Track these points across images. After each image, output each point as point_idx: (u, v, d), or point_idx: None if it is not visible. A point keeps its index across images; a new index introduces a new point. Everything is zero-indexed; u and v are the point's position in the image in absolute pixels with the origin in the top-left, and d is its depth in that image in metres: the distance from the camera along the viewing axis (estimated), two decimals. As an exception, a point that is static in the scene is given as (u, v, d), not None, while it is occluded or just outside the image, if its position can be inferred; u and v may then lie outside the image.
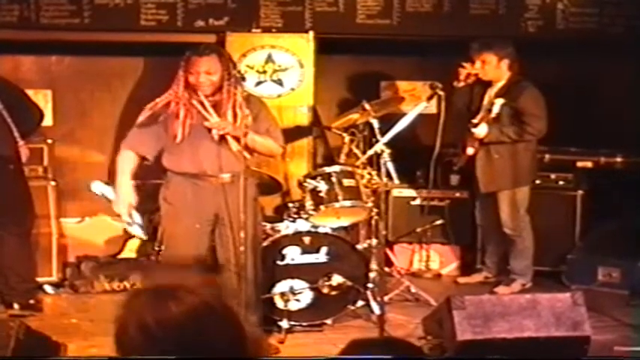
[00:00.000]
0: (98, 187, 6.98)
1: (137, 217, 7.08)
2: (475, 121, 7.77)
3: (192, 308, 2.52)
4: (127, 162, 6.55)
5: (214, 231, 6.46)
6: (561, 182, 8.50)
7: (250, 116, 6.31)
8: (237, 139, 6.16)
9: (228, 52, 6.92)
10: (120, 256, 8.46)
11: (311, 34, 8.49)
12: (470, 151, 7.83)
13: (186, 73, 6.23)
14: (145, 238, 7.55)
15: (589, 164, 8.57)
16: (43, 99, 8.42)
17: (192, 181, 6.34)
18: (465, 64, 7.78)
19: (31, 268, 7.81)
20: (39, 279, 7.94)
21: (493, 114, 7.63)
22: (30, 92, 7.91)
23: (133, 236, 8.14)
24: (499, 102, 7.63)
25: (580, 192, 8.44)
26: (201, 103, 6.17)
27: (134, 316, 2.58)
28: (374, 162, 7.49)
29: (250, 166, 6.44)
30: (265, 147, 6.49)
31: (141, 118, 6.40)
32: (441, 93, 7.52)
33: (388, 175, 7.41)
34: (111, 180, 7.81)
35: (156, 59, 8.87)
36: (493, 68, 7.76)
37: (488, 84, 7.87)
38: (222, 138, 6.19)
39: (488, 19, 8.69)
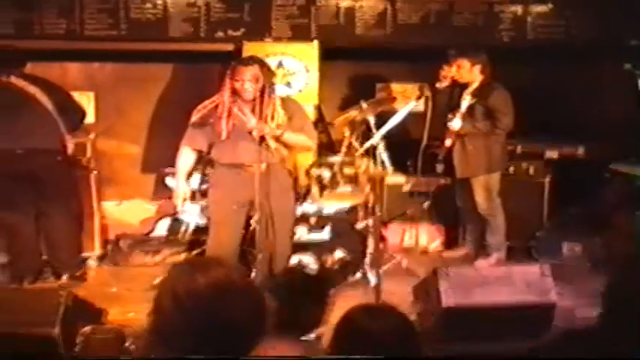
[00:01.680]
0: (170, 181, 7.40)
1: (191, 207, 7.29)
2: (450, 116, 7.85)
3: (218, 281, 2.52)
4: (184, 158, 6.68)
5: (252, 213, 6.45)
6: (531, 171, 8.53)
7: (286, 116, 6.38)
8: (273, 137, 6.25)
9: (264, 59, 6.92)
10: (152, 234, 8.44)
11: (316, 43, 8.53)
12: (448, 142, 7.91)
13: (232, 81, 6.30)
14: (199, 222, 7.69)
15: (555, 155, 8.59)
16: (86, 100, 8.44)
17: (233, 170, 6.41)
18: (444, 67, 7.82)
19: (78, 244, 7.85)
20: (84, 254, 7.98)
21: (462, 109, 7.74)
22: (75, 94, 7.92)
23: (164, 217, 8.23)
24: (467, 99, 7.75)
25: (547, 179, 8.50)
26: (241, 110, 6.24)
27: (169, 286, 2.60)
28: (370, 153, 7.52)
29: (285, 158, 6.56)
30: (299, 143, 6.53)
31: (193, 119, 6.50)
32: (428, 94, 7.54)
33: (383, 164, 7.43)
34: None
35: (182, 65, 8.94)
36: (467, 72, 7.80)
37: (465, 85, 7.89)
38: (262, 137, 6.23)
39: (468, 30, 8.72)
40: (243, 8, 8.41)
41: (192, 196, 7.49)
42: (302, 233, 7.19)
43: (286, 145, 6.46)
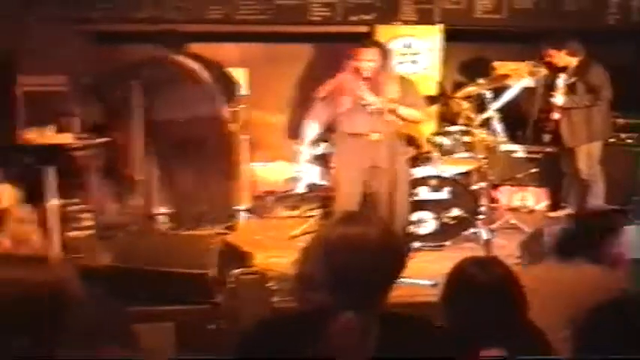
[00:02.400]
0: (298, 147, 7.80)
1: (312, 169, 7.73)
2: (553, 93, 7.93)
3: (362, 234, 2.53)
4: (310, 128, 7.10)
5: (371, 176, 6.74)
6: (629, 140, 8.52)
7: (400, 93, 6.59)
8: (387, 110, 6.46)
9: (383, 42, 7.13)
10: (292, 192, 8.61)
11: (439, 26, 8.63)
12: (556, 116, 7.95)
13: (353, 60, 6.67)
14: (317, 182, 8.01)
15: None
16: (240, 75, 8.67)
17: (354, 139, 6.65)
18: (549, 51, 7.94)
19: (231, 198, 8.27)
20: (235, 207, 8.38)
21: (561, 86, 7.86)
22: (231, 70, 8.34)
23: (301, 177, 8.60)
24: (562, 77, 7.86)
25: (644, 148, 8.37)
26: (360, 87, 6.64)
27: (322, 232, 2.69)
28: (486, 124, 7.83)
29: (399, 129, 6.78)
30: (411, 116, 6.72)
31: (321, 95, 6.87)
32: (539, 72, 7.85)
33: (496, 133, 7.77)
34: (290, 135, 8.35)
35: (321, 45, 9.13)
36: (562, 59, 7.90)
37: (565, 67, 7.95)
38: (378, 110, 6.47)
39: (577, 14, 8.72)
40: (375, -6, 8.50)
41: (317, 161, 7.89)
42: (423, 193, 7.32)
43: (400, 117, 6.61)
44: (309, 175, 8.05)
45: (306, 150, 7.52)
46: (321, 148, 7.73)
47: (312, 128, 7.19)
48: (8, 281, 2.30)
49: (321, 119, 6.99)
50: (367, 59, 6.50)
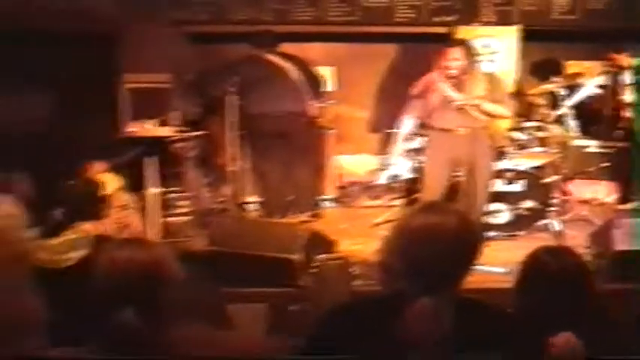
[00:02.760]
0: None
1: (405, 162, 7.72)
2: (623, 91, 7.78)
3: (441, 222, 2.51)
4: (404, 123, 7.15)
5: (457, 168, 6.73)
6: None
7: (486, 90, 6.54)
8: (472, 107, 6.46)
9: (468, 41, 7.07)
10: (375, 183, 8.58)
11: (517, 26, 8.54)
12: (628, 114, 7.79)
13: (440, 59, 6.65)
14: (410, 175, 7.96)
15: None
16: (328, 73, 8.69)
17: (443, 133, 6.61)
18: (613, 55, 7.84)
19: (317, 189, 8.27)
20: (321, 197, 8.39)
21: (628, 84, 7.76)
22: (319, 68, 8.31)
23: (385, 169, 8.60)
24: (628, 77, 7.76)
25: None
26: (446, 85, 6.61)
27: (403, 221, 2.62)
28: (559, 120, 7.74)
29: (485, 124, 6.69)
30: (495, 112, 6.64)
31: (413, 91, 6.87)
32: (612, 71, 7.72)
33: (569, 129, 7.71)
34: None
35: (405, 45, 9.08)
36: (625, 57, 7.78)
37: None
38: (462, 108, 6.48)
39: None
40: (456, -3, 8.46)
41: (408, 154, 7.90)
42: (499, 185, 7.25)
43: (485, 113, 6.56)
44: (400, 167, 8.04)
45: (401, 144, 7.52)
46: (416, 143, 7.71)
47: (406, 123, 7.19)
48: (114, 260, 2.36)
49: (415, 115, 6.99)
50: (453, 58, 6.47)
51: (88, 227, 4.64)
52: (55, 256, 4.45)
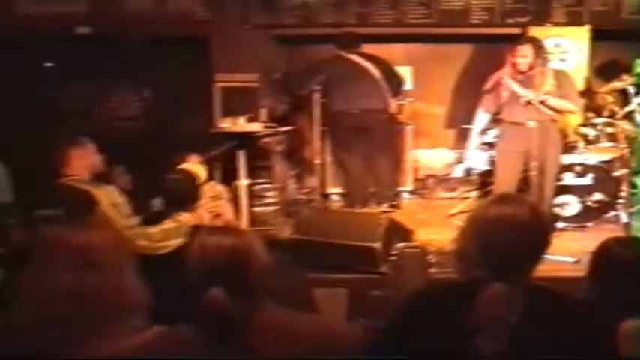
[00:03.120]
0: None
1: (480, 155, 7.69)
2: None
3: (513, 214, 2.52)
4: (479, 118, 7.08)
5: (528, 161, 6.57)
6: None
7: (555, 86, 6.45)
8: (540, 102, 6.35)
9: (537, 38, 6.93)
10: (451, 176, 8.67)
11: (587, 27, 8.40)
12: None
13: (511, 57, 6.59)
14: (484, 168, 7.91)
15: None
16: (407, 72, 8.66)
17: (514, 127, 6.53)
18: None
19: (396, 181, 8.29)
20: (400, 188, 8.44)
21: None
22: (398, 67, 8.27)
23: (460, 162, 8.52)
24: None
25: None
26: (515, 81, 6.53)
27: (478, 212, 2.65)
28: (628, 116, 7.57)
29: (554, 119, 6.58)
30: (562, 107, 6.53)
31: (486, 87, 6.82)
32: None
33: (638, 125, 7.56)
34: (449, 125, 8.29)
35: (479, 45, 9.03)
36: None
37: None
38: (529, 102, 6.38)
39: None
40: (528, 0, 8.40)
41: (482, 147, 7.83)
42: (568, 179, 7.19)
43: (552, 108, 6.43)
44: (476, 160, 7.98)
45: (476, 138, 7.47)
46: (490, 136, 7.63)
47: (481, 118, 7.14)
48: (206, 246, 2.41)
49: (488, 109, 6.94)
50: (522, 55, 6.41)
51: (185, 217, 4.72)
52: (154, 244, 4.52)
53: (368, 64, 7.78)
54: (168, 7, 8.52)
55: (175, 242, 4.62)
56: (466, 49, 9.10)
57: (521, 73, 6.46)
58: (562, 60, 8.44)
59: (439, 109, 9.10)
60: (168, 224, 4.66)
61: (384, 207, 7.79)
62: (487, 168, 7.86)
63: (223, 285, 2.31)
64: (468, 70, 8.95)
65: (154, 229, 4.60)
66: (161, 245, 4.57)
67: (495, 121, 7.22)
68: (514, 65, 6.47)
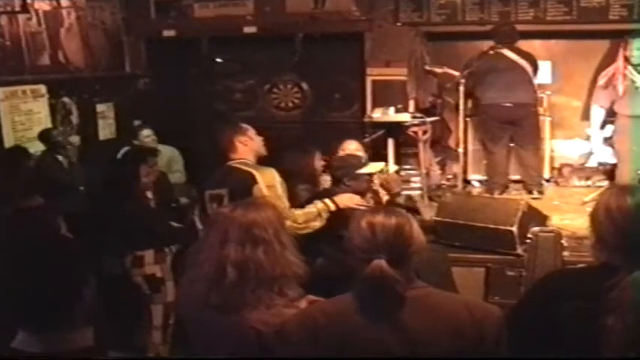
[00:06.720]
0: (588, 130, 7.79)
1: (604, 149, 7.65)
2: None
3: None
4: (594, 112, 6.99)
5: None
6: None
7: None
8: None
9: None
10: (586, 165, 8.45)
11: None
12: None
13: (624, 51, 6.42)
14: (609, 161, 7.78)
15: None
16: (546, 67, 8.51)
17: (631, 120, 6.44)
18: None
19: (542, 169, 8.11)
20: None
21: None
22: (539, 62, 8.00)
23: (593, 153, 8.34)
24: None
25: None
26: (629, 73, 6.32)
27: (604, 202, 2.62)
28: None
29: None
30: None
31: (600, 82, 6.65)
32: None
33: None
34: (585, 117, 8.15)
35: (615, 40, 8.35)
36: None
37: None
38: None
39: None
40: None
41: (606, 142, 7.66)
42: None
43: None
44: (601, 154, 7.88)
45: (596, 132, 7.29)
46: (609, 131, 7.47)
47: (597, 113, 6.96)
48: (372, 223, 2.52)
49: (604, 104, 6.77)
50: (635, 47, 6.20)
51: (328, 203, 4.79)
52: (298, 225, 4.58)
53: (518, 59, 7.68)
54: (325, 7, 8.82)
55: (315, 225, 4.70)
56: (603, 45, 8.76)
57: (635, 65, 6.34)
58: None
59: (577, 102, 8.89)
60: (309, 209, 4.75)
61: (531, 193, 7.70)
62: (614, 161, 7.73)
63: (386, 259, 2.42)
64: (606, 66, 8.66)
65: (298, 212, 4.69)
66: (303, 226, 4.65)
67: (612, 114, 7.08)
68: (626, 59, 6.25)
